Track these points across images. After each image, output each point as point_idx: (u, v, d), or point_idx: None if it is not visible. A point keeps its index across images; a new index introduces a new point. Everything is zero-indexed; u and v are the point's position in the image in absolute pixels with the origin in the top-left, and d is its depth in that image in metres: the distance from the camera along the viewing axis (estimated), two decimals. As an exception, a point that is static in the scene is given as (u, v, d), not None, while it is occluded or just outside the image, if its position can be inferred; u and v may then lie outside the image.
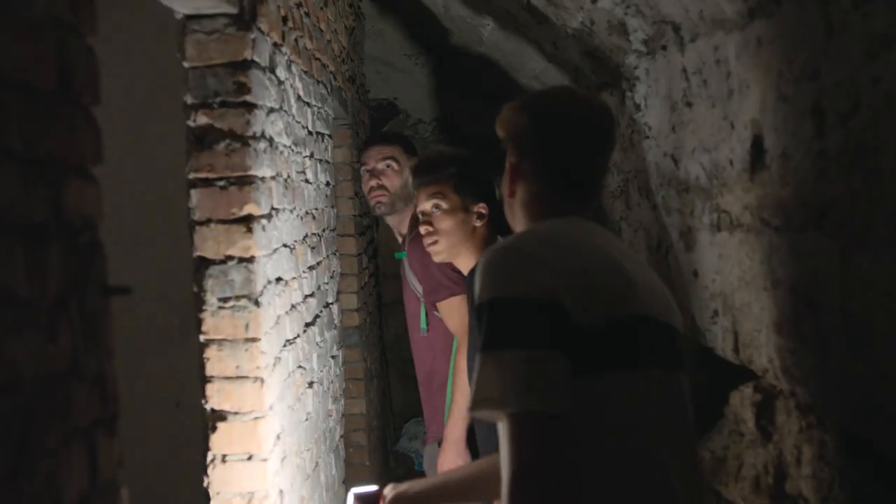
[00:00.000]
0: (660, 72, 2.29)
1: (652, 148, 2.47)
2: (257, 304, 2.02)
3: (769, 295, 1.74)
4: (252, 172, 2.01)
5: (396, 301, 6.23)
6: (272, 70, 2.25)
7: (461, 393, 2.79)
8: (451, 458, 2.87)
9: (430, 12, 4.53)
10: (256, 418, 2.01)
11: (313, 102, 2.94)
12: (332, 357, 3.22)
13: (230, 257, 1.98)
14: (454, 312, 2.88)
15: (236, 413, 1.99)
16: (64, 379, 1.00)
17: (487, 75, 4.74)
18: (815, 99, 1.43)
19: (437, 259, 2.71)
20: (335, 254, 3.40)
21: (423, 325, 3.23)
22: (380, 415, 4.91)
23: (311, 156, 2.85)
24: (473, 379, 1.41)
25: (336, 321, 3.34)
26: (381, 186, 3.50)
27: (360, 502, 1.91)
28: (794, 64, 1.50)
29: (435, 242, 2.61)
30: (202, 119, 1.97)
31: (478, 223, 2.56)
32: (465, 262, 2.63)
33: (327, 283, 3.18)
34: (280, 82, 2.35)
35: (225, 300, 1.98)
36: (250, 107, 2.01)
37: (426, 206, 2.60)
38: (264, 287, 2.09)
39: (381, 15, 5.17)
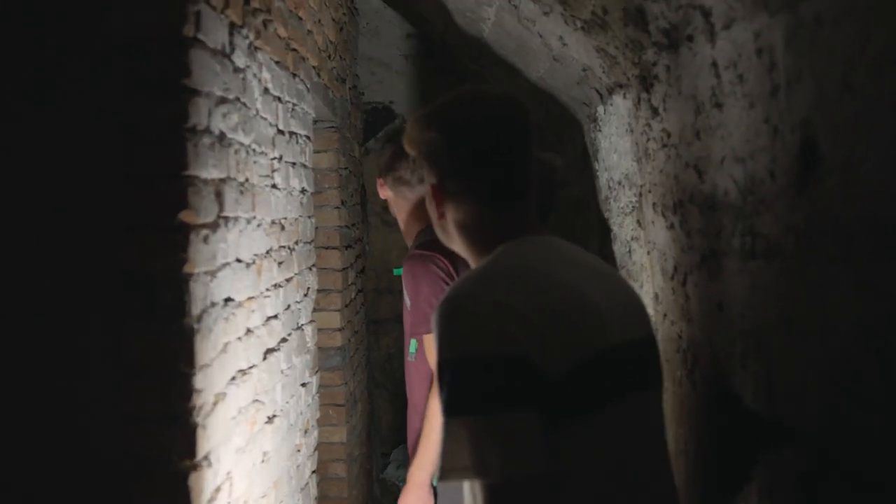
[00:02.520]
0: (683, 68, 1.94)
1: (671, 158, 2.12)
2: (192, 330, 1.67)
3: (820, 340, 1.39)
4: (191, 172, 1.66)
5: (388, 318, 5.89)
6: (226, 54, 1.91)
7: (437, 434, 2.49)
8: (411, 501, 2.75)
9: (429, 8, 4.18)
10: (188, 469, 1.66)
11: (286, 98, 2.60)
12: (303, 385, 2.86)
13: (159, 273, 1.64)
14: (430, 349, 2.77)
15: (163, 462, 1.64)
16: None
17: (491, 77, 4.39)
18: (898, 91, 1.09)
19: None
20: (311, 269, 3.05)
21: (411, 349, 2.98)
22: (364, 442, 4.55)
23: (281, 158, 2.50)
24: (440, 445, 1.32)
25: (310, 344, 2.99)
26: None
27: None
28: (869, 46, 1.15)
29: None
30: (129, 105, 1.63)
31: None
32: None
33: (299, 303, 2.83)
34: (238, 69, 2.01)
35: (151, 325, 1.63)
36: (190, 93, 1.66)
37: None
38: (204, 310, 1.74)
39: (376, 12, 4.83)
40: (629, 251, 2.75)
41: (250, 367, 2.15)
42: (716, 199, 1.82)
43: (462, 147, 1.52)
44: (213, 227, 1.81)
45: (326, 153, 3.84)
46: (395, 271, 3.18)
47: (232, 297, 1.97)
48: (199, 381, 1.69)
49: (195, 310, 1.68)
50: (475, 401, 1.29)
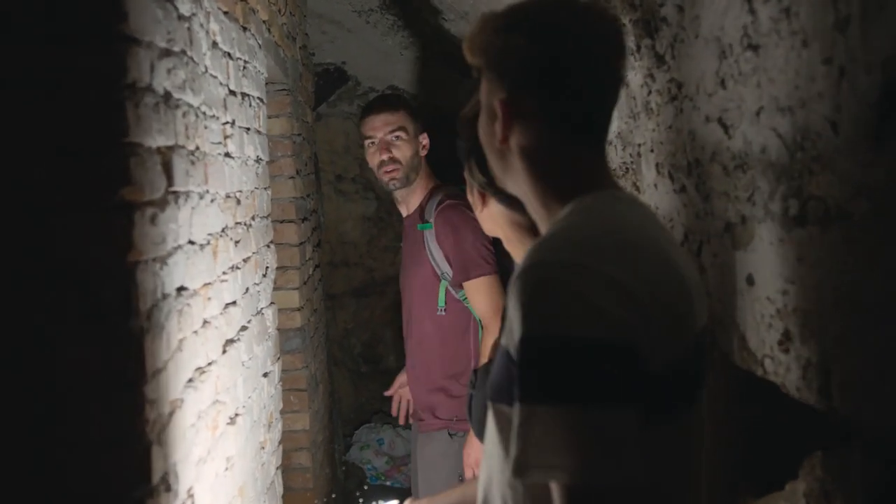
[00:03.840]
0: (703, 6, 1.69)
1: (684, 112, 1.87)
2: (141, 330, 1.38)
3: (903, 324, 1.16)
4: (132, 139, 1.37)
5: (344, 293, 5.60)
6: (169, -3, 1.61)
7: None
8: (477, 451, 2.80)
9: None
10: (142, 499, 1.38)
11: (237, 54, 2.29)
12: (265, 375, 2.58)
13: (99, 264, 1.34)
14: (483, 293, 2.90)
15: (110, 495, 1.35)
16: None
17: (456, 34, 4.09)
18: None
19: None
20: (269, 246, 2.76)
21: (440, 303, 3.05)
22: (326, 425, 4.29)
23: (234, 123, 2.20)
24: (521, 434, 1.10)
25: (270, 329, 2.71)
26: (393, 160, 3.17)
27: None
28: None
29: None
30: (52, 58, 1.32)
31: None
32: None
33: (258, 284, 2.54)
34: (182, 17, 1.70)
35: (90, 327, 1.34)
36: (128, 42, 1.36)
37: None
38: (154, 304, 1.46)
39: (326, -36, 4.48)
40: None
41: (209, 364, 1.86)
42: (749, 156, 1.58)
43: (547, 55, 1.25)
44: (162, 204, 1.51)
45: (279, 118, 3.52)
46: (420, 226, 3.13)
47: (185, 285, 1.69)
48: (151, 390, 1.41)
49: (144, 305, 1.39)
50: (578, 390, 1.08)
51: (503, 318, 1.31)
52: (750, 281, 1.67)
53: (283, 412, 3.46)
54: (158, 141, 1.49)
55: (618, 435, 1.09)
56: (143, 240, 1.40)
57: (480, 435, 1.65)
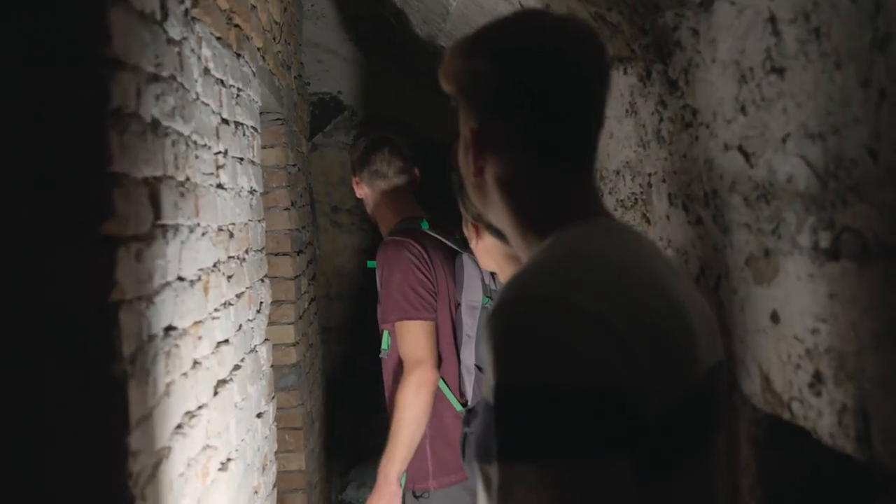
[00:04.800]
0: (721, 29, 1.60)
1: (700, 139, 1.78)
2: (125, 375, 1.28)
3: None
4: (116, 169, 1.27)
5: (341, 326, 5.49)
6: (157, 21, 1.52)
7: (404, 428, 2.70)
8: (386, 499, 2.72)
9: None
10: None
11: (230, 81, 2.20)
12: (259, 416, 2.47)
13: (79, 304, 1.24)
14: (401, 339, 2.74)
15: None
16: None
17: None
18: None
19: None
20: (263, 280, 2.65)
21: (384, 345, 2.89)
22: (322, 464, 4.16)
23: (226, 153, 2.10)
24: (501, 498, 0.98)
25: (265, 367, 2.60)
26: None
27: None
28: None
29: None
30: (32, 82, 1.22)
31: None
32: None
33: (252, 321, 2.43)
34: (172, 41, 1.61)
35: (69, 371, 1.24)
36: (112, 66, 1.27)
37: None
38: (140, 347, 1.35)
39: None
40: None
41: (199, 408, 1.76)
42: (773, 186, 1.49)
43: (517, 80, 1.14)
44: (148, 239, 1.41)
45: (273, 148, 3.44)
46: (369, 264, 2.96)
47: (174, 324, 1.58)
48: (135, 440, 1.30)
49: (128, 348, 1.29)
50: (558, 442, 0.96)
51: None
52: (774, 318, 1.57)
53: (277, 452, 3.34)
54: (145, 171, 1.40)
55: (610, 492, 0.97)
56: (128, 277, 1.29)
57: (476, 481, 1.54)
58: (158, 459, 1.42)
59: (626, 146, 2.31)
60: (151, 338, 1.43)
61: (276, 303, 3.43)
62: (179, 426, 1.59)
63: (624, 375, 0.99)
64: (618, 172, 2.41)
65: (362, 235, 5.40)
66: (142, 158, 1.39)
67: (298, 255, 3.65)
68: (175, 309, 1.59)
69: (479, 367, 2.61)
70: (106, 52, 1.24)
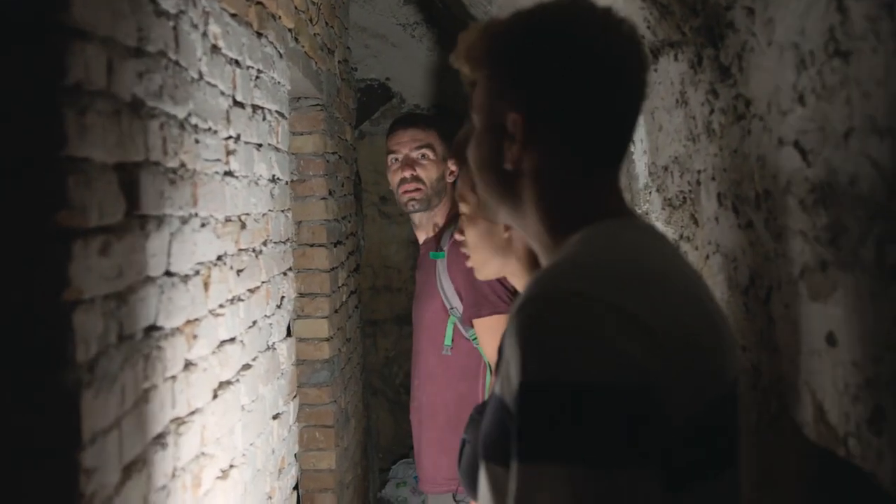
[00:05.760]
0: (779, 5, 1.40)
1: (753, 133, 1.57)
2: (78, 383, 1.14)
3: None
4: (72, 153, 1.13)
5: (387, 319, 5.36)
6: (143, -11, 1.38)
7: None
8: None
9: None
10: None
11: (247, 62, 2.06)
12: (276, 417, 2.34)
13: (26, 305, 1.10)
14: (494, 333, 2.48)
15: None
16: None
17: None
18: None
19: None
20: (287, 273, 2.52)
21: (447, 341, 2.70)
22: (358, 462, 4.03)
23: (238, 138, 1.96)
24: (519, 497, 0.93)
25: (284, 366, 2.46)
26: (416, 178, 2.88)
27: None
28: None
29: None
30: (-24, 54, 1.09)
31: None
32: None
33: (270, 317, 2.29)
34: (163, 13, 1.47)
35: (18, 381, 1.10)
36: (69, 36, 1.12)
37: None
38: (102, 351, 1.21)
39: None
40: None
41: (192, 413, 1.62)
42: (833, 188, 1.28)
43: (574, 70, 1.09)
44: (120, 231, 1.27)
45: (311, 135, 3.30)
46: (433, 255, 2.80)
47: (159, 323, 1.45)
48: (90, 456, 1.16)
49: (84, 353, 1.15)
50: (585, 446, 0.92)
51: (498, 362, 1.13)
52: (831, 340, 1.37)
53: (307, 450, 3.23)
54: (116, 156, 1.25)
55: (635, 499, 0.92)
56: (86, 275, 1.15)
57: (472, 492, 1.38)
58: (126, 476, 1.28)
59: (675, 140, 2.10)
60: (123, 340, 1.29)
61: (309, 295, 3.31)
62: (161, 435, 1.45)
63: (659, 379, 0.96)
64: (666, 168, 2.21)
65: (410, 227, 5.26)
66: (112, 142, 1.24)
67: (336, 246, 3.51)
68: (160, 307, 1.45)
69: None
70: (63, 19, 1.10)
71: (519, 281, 1.70)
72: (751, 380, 1.73)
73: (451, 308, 2.70)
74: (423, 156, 2.89)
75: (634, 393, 0.93)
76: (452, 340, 2.69)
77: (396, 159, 2.95)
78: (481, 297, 2.55)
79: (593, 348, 0.94)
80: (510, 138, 1.13)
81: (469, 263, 1.81)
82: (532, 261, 1.60)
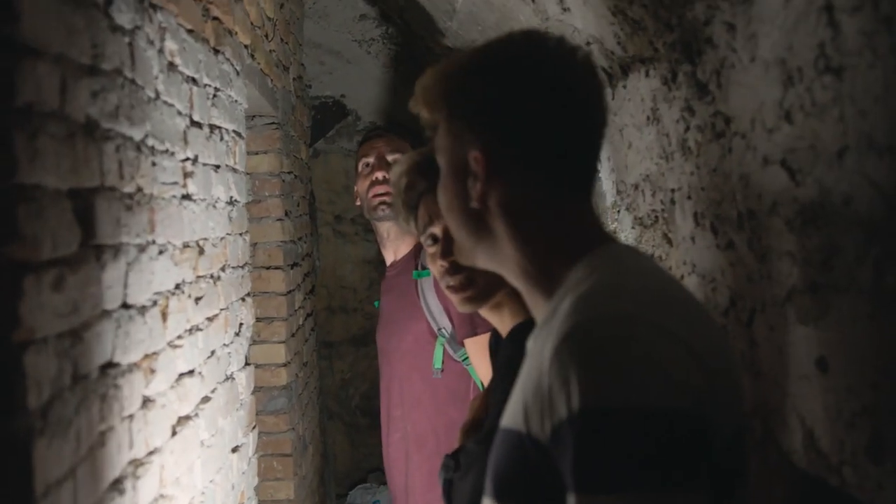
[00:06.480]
0: (764, 21, 1.36)
1: (734, 151, 1.53)
2: (30, 432, 1.04)
3: None
4: (22, 180, 1.04)
5: (343, 340, 5.26)
6: (96, 4, 1.29)
7: None
8: None
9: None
10: None
11: (205, 80, 1.97)
12: (235, 450, 2.24)
13: (-28, 345, 1.01)
14: (488, 352, 2.35)
15: None
16: None
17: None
18: None
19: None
20: (245, 299, 2.42)
21: (436, 364, 2.61)
22: (315, 490, 3.93)
23: (196, 159, 1.87)
24: None
25: (243, 396, 2.36)
26: (388, 181, 2.69)
27: None
28: None
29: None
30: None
31: None
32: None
33: (228, 345, 2.20)
34: (119, 29, 1.38)
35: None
36: (20, 53, 1.04)
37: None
38: (55, 395, 1.12)
39: (324, -10, 4.17)
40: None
41: (150, 454, 1.52)
42: (825, 209, 1.24)
43: (526, 99, 1.11)
44: (74, 263, 1.18)
45: (266, 155, 3.21)
46: (416, 274, 2.71)
47: (115, 360, 1.35)
48: (44, 510, 1.06)
49: (36, 398, 1.05)
50: (644, 471, 0.92)
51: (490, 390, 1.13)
52: (822, 365, 1.32)
53: (264, 479, 3.11)
54: (70, 182, 1.16)
55: None
56: (38, 312, 1.06)
57: None
58: (80, 528, 1.19)
59: (646, 157, 2.06)
60: (77, 380, 1.19)
61: (265, 320, 3.21)
62: (118, 480, 1.36)
63: (706, 402, 0.97)
64: (636, 186, 2.17)
65: (366, 246, 5.17)
66: (66, 167, 1.15)
67: (292, 268, 3.41)
68: (116, 342, 1.36)
69: None
70: (11, 34, 1.01)
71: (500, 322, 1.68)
72: (733, 404, 1.68)
73: (440, 329, 2.62)
74: (397, 160, 2.81)
75: (693, 417, 0.95)
76: (443, 363, 2.61)
77: (368, 164, 2.88)
78: (476, 315, 2.49)
79: (651, 370, 0.95)
80: (474, 176, 1.14)
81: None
82: (520, 304, 1.55)
